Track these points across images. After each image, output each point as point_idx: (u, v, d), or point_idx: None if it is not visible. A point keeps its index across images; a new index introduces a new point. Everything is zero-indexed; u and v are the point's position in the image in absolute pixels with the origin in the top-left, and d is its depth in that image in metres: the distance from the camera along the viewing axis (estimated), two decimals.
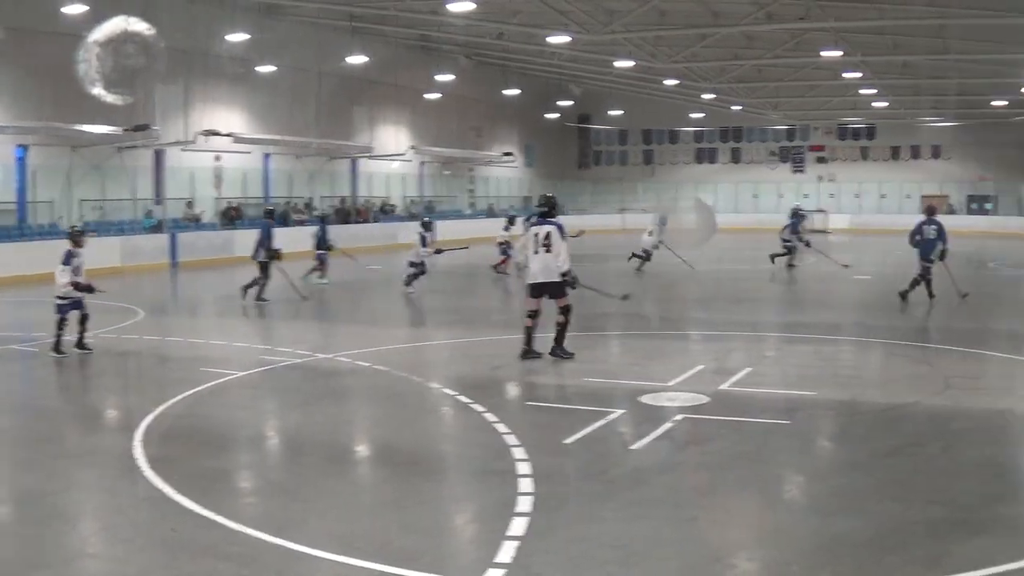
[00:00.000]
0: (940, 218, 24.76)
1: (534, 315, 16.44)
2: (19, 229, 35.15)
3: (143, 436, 11.18)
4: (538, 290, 16.43)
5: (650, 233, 34.28)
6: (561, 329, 16.40)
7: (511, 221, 35.06)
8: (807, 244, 35.20)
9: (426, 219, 30.68)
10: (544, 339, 16.50)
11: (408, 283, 27.49)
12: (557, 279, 16.26)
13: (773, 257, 34.90)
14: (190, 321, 23.94)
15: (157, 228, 39.06)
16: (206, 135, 41.83)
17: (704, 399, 13.18)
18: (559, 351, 16.37)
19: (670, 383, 14.22)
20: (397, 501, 9.03)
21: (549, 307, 16.47)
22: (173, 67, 33.30)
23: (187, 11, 38.43)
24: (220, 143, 42.72)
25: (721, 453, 10.76)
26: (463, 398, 13.27)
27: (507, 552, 7.56)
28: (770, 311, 24.91)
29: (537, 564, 7.41)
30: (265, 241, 24.84)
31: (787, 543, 8.09)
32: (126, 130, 36.44)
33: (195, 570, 7.44)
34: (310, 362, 16.41)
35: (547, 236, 16.30)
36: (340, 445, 11.36)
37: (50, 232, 33.91)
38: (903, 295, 24.13)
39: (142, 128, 36.84)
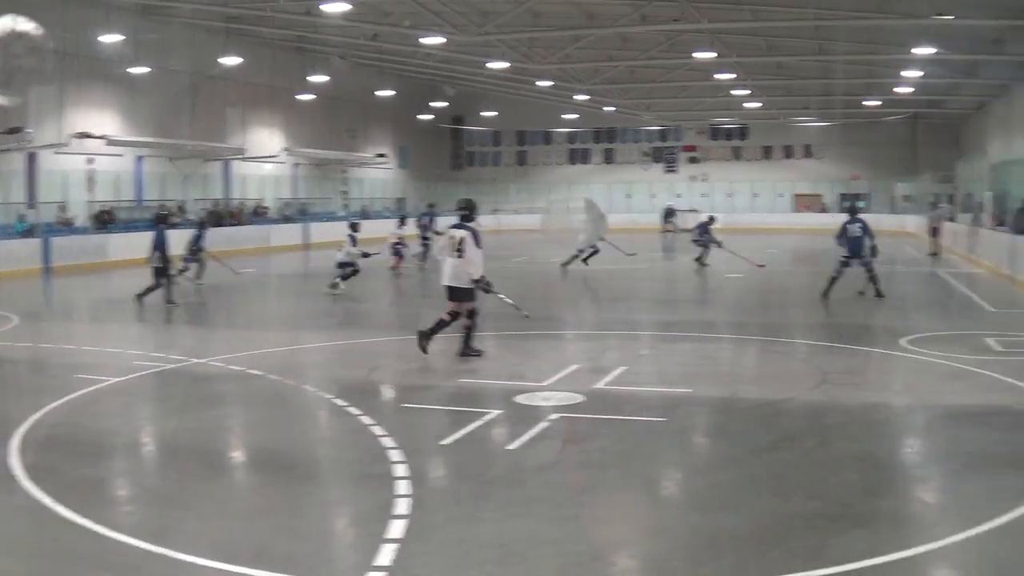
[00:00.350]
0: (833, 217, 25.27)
1: (455, 316, 16.60)
2: None
3: (19, 445, 10.96)
4: (448, 292, 16.58)
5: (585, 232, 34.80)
6: (467, 331, 16.57)
7: (403, 220, 35.09)
8: (718, 244, 35.60)
9: (354, 221, 30.66)
10: (446, 339, 16.60)
11: (334, 285, 27.30)
12: (464, 285, 16.40)
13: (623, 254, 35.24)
14: (65, 327, 23.52)
15: (30, 232, 38.35)
16: (79, 137, 41.16)
17: (580, 398, 13.27)
18: (467, 350, 16.53)
19: (546, 383, 14.30)
20: (276, 506, 8.99)
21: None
22: (48, 66, 32.85)
23: (60, 11, 37.75)
24: (94, 145, 42.06)
25: (599, 451, 10.83)
26: (339, 401, 13.22)
27: (387, 555, 7.55)
28: (645, 310, 25.10)
29: (416, 566, 7.42)
30: (160, 246, 24.53)
31: (668, 539, 8.18)
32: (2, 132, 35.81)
33: None
34: (185, 367, 16.21)
35: (460, 241, 16.37)
36: (217, 451, 11.26)
37: None
38: (824, 294, 24.55)
39: (15, 131, 36.20)
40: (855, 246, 24.75)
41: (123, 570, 7.46)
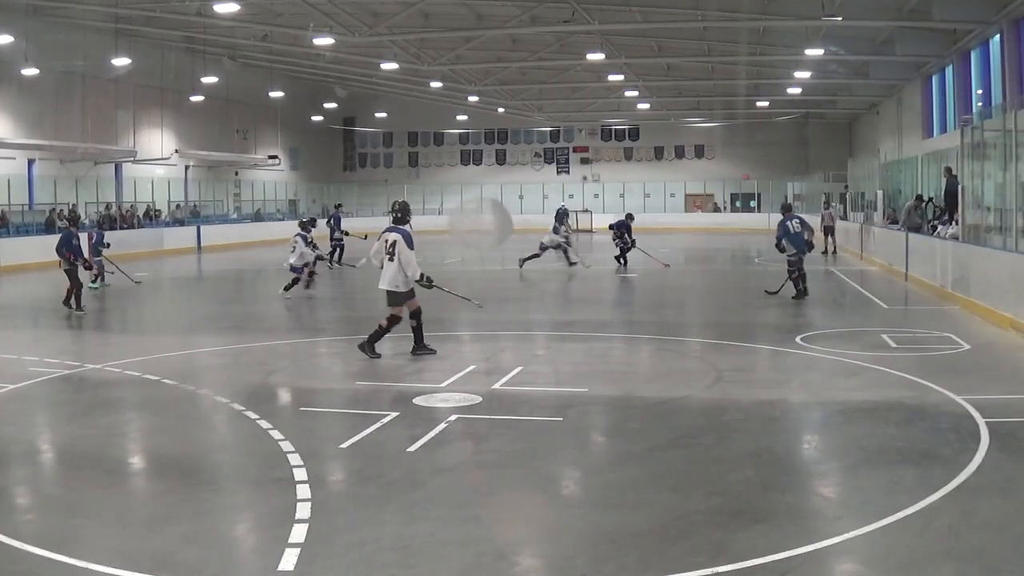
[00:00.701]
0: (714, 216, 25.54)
1: (393, 321, 16.66)
2: None
3: None
4: (387, 297, 16.66)
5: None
6: (416, 331, 16.78)
7: (312, 223, 34.99)
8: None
9: (305, 220, 30.35)
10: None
11: (288, 288, 27.00)
12: (401, 289, 16.45)
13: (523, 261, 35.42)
14: None
15: None
16: None
17: (477, 399, 13.34)
18: (421, 349, 16.78)
19: (443, 384, 14.36)
20: (176, 512, 8.89)
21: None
22: None
23: None
24: None
25: (497, 452, 10.89)
26: (237, 406, 13.15)
27: (289, 560, 7.53)
28: (539, 310, 25.23)
29: (319, 570, 7.41)
30: (68, 247, 24.15)
31: (570, 538, 8.20)
32: None
33: None
34: (81, 373, 16.02)
35: (392, 244, 16.45)
36: (116, 458, 11.13)
37: None
38: (799, 294, 24.71)
39: None
40: (797, 241, 24.77)
41: None
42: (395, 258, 16.37)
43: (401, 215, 17.05)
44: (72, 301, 23.57)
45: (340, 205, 47.29)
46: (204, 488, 9.74)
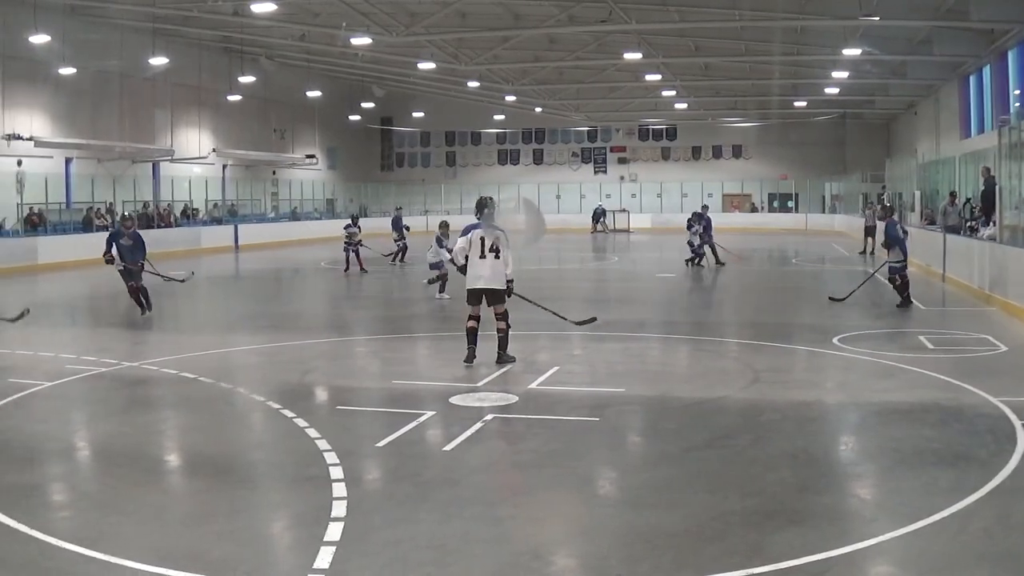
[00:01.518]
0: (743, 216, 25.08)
1: (476, 319, 16.03)
2: None
3: None
4: (480, 296, 15.96)
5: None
6: (505, 335, 16.05)
7: (355, 221, 35.11)
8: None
9: (352, 217, 30.62)
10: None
11: (432, 281, 26.77)
12: (502, 286, 15.91)
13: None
14: (7, 331, 23.10)
15: None
16: (7, 139, 40.81)
17: (514, 399, 13.33)
18: (505, 357, 16.00)
19: (479, 383, 14.33)
20: (212, 510, 8.92)
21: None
22: None
23: None
24: (22, 147, 41.70)
25: (533, 451, 10.87)
26: (273, 404, 13.17)
27: (324, 558, 7.52)
28: (577, 310, 25.10)
29: (354, 568, 7.40)
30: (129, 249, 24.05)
31: (604, 538, 8.17)
32: None
33: None
34: (118, 371, 16.06)
35: (496, 241, 15.87)
36: (152, 455, 11.14)
37: None
38: (904, 302, 23.45)
39: None
40: (904, 247, 23.65)
41: (59, 575, 7.40)
42: (499, 255, 15.84)
43: (489, 211, 16.33)
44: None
45: (401, 208, 47.92)
46: (239, 486, 9.78)
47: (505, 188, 71.46)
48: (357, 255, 34.15)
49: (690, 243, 35.32)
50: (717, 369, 16.25)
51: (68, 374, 15.64)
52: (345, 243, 34.47)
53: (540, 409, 12.77)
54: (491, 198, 17.14)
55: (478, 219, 16.26)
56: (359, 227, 34.50)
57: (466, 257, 15.94)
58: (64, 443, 11.78)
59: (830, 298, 24.33)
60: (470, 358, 15.82)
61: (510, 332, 16.10)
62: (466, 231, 16.13)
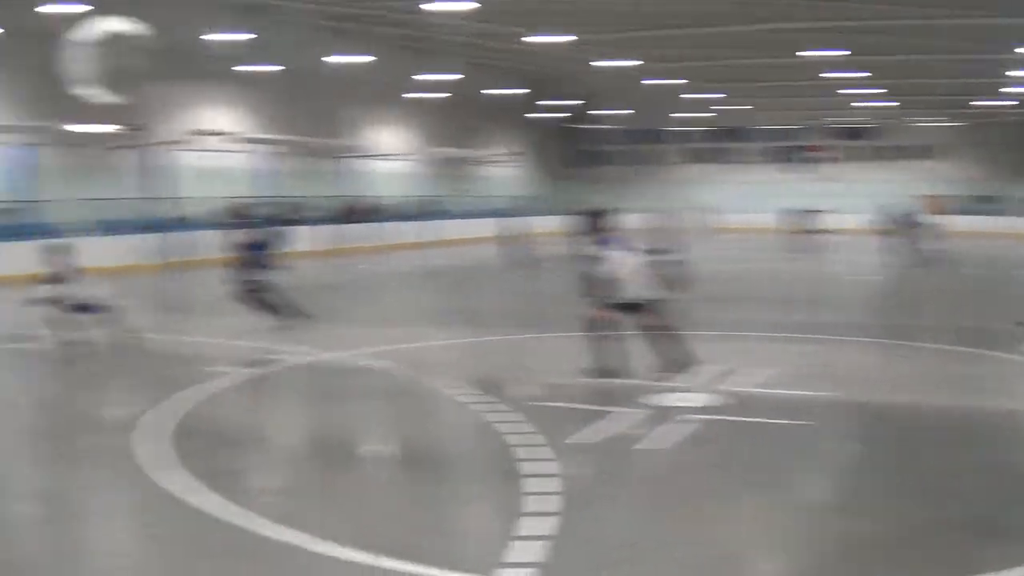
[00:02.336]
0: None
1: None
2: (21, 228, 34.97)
3: (150, 435, 11.16)
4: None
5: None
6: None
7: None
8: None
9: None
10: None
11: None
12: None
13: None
14: (191, 320, 23.54)
15: (148, 228, 38.70)
16: (197, 134, 41.70)
17: (717, 399, 13.16)
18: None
19: (682, 382, 14.13)
20: (410, 501, 9.12)
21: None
22: (162, 65, 33.36)
23: (177, 9, 38.11)
24: (212, 142, 42.59)
25: (733, 453, 10.78)
26: (465, 398, 13.29)
27: (517, 552, 7.55)
28: (787, 310, 24.56)
29: (546, 564, 7.39)
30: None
31: (807, 544, 8.09)
32: (120, 129, 36.36)
33: (214, 569, 7.48)
34: (315, 361, 16.48)
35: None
36: (353, 445, 11.44)
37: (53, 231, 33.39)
38: None
39: (133, 127, 36.77)
40: None
41: (261, 559, 7.56)
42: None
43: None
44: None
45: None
46: (434, 478, 9.89)
47: (695, 187, 70.95)
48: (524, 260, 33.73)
49: (912, 247, 34.54)
50: (932, 375, 15.70)
51: (267, 363, 16.01)
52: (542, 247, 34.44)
53: (746, 411, 12.56)
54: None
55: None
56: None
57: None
58: (267, 431, 12.21)
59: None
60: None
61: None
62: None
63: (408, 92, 56.02)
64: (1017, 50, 37.91)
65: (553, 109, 70.23)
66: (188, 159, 42.42)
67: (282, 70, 45.00)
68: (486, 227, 54.60)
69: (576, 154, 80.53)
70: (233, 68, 43.19)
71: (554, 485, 9.34)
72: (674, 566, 7.48)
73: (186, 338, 19.08)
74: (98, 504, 9.40)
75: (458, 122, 62.96)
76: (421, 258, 44.65)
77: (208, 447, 10.90)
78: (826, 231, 52.88)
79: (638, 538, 7.96)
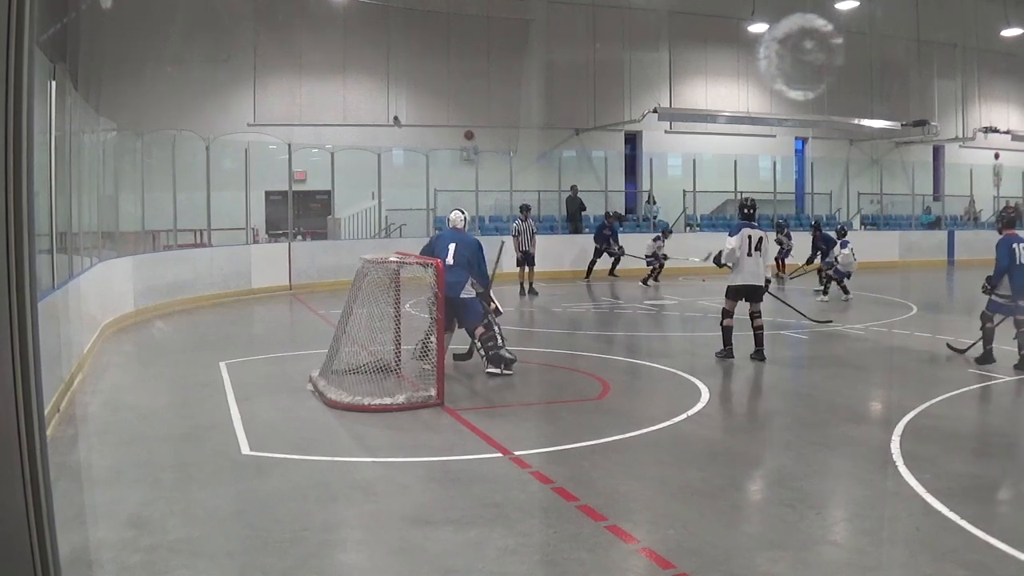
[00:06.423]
0: None
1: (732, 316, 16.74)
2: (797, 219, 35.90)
3: (902, 432, 11.15)
4: (741, 292, 16.68)
5: None
6: (761, 332, 16.66)
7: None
8: None
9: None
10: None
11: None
12: (762, 284, 16.67)
13: None
14: (964, 320, 22.39)
15: (935, 224, 38.77)
16: (984, 132, 40.87)
17: None
18: (761, 354, 16.52)
19: None
20: None
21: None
22: (948, 62, 33.04)
23: (961, 6, 37.60)
24: (998, 140, 41.63)
25: None
26: None
27: None
28: None
29: None
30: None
31: None
32: (904, 125, 36.51)
33: (931, 572, 7.22)
34: None
35: (760, 241, 16.50)
36: None
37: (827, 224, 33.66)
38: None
39: (920, 124, 36.75)
40: None
41: (979, 569, 7.20)
42: (763, 254, 16.51)
43: (752, 212, 16.81)
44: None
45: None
46: None
47: None
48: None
49: None
50: None
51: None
52: None
53: None
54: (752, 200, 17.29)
55: (744, 219, 16.81)
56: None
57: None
58: (1013, 438, 11.75)
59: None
60: (730, 355, 16.51)
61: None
62: (737, 229, 16.56)
63: None
64: None
65: None
66: (976, 157, 41.83)
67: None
68: None
69: None
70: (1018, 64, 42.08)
71: None
72: None
73: (958, 338, 18.11)
74: (838, 493, 9.47)
75: None
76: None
77: (958, 451, 10.72)
78: None
79: None
